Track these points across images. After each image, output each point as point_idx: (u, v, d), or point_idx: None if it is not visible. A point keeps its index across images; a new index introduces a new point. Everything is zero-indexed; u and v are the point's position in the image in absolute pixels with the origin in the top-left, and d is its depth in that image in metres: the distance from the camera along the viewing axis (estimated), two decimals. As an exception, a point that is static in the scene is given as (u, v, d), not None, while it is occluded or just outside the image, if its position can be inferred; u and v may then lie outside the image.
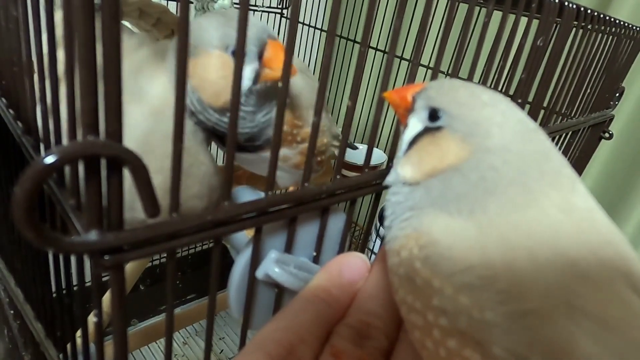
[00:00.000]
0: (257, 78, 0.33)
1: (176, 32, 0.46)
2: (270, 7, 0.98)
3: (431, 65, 0.86)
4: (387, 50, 0.23)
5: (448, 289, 0.16)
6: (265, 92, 0.35)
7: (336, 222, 0.27)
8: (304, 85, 0.40)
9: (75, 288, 0.27)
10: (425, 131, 0.20)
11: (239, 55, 0.18)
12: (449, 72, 0.32)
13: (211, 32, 0.32)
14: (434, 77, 0.28)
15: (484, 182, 0.18)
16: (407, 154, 0.21)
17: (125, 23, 0.44)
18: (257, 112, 0.35)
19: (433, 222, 0.18)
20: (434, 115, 0.20)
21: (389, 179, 0.22)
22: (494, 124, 0.19)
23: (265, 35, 0.33)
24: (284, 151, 0.40)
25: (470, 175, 0.18)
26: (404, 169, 0.20)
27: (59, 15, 0.21)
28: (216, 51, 0.32)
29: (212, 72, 0.32)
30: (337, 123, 1.17)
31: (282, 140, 0.38)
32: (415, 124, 0.21)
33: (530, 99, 0.38)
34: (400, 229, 0.19)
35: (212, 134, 0.37)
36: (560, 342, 0.15)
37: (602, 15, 0.42)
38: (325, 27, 1.08)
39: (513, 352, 0.15)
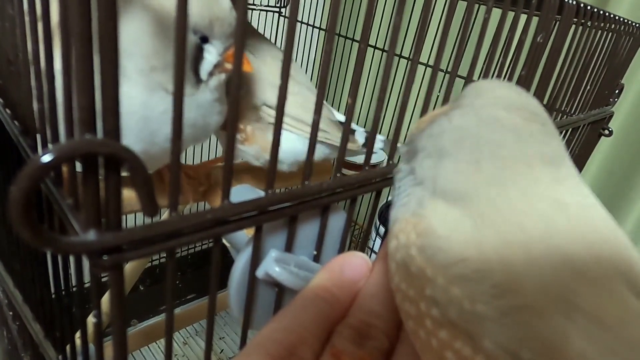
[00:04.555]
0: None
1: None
2: (268, 5, 0.98)
3: (430, 62, 0.86)
4: (385, 48, 0.23)
5: (440, 278, 0.16)
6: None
7: (336, 221, 0.27)
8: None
9: (74, 288, 0.27)
10: None
11: (237, 48, 0.18)
12: (449, 69, 0.32)
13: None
14: (433, 74, 0.28)
15: (428, 149, 0.19)
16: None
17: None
18: None
19: (431, 209, 0.18)
20: None
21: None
22: (472, 93, 0.19)
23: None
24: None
25: (434, 132, 0.19)
26: (414, 126, 0.21)
27: (55, 11, 0.20)
28: None
29: None
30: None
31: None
32: None
33: (530, 96, 0.38)
34: (402, 205, 0.19)
35: None
36: (553, 339, 0.14)
37: (601, 12, 0.42)
38: (323, 26, 1.08)
39: (503, 346, 0.15)
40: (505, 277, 0.15)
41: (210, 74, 0.35)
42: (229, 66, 0.35)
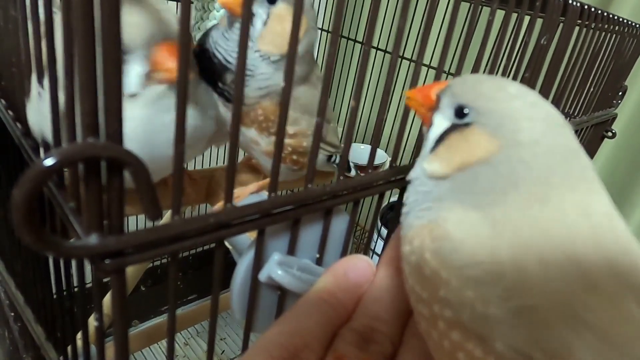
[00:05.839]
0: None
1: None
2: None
3: (432, 64, 0.86)
4: (388, 49, 0.23)
5: (454, 281, 0.16)
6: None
7: (339, 224, 0.27)
8: (302, 91, 0.40)
9: (75, 289, 0.27)
10: (453, 128, 0.20)
11: (243, 29, 0.18)
12: (452, 71, 0.32)
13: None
14: (437, 76, 0.28)
15: (513, 175, 0.18)
16: (435, 151, 0.20)
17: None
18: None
19: (449, 215, 0.18)
20: (460, 111, 0.20)
21: (413, 174, 0.21)
22: (523, 117, 0.18)
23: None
24: (252, 132, 0.41)
25: (500, 169, 0.18)
26: (433, 165, 0.20)
27: (58, 15, 0.20)
28: None
29: None
30: (338, 123, 1.17)
31: (253, 121, 0.39)
32: (441, 121, 0.21)
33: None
34: (417, 217, 0.19)
35: None
36: (559, 350, 0.14)
37: (605, 14, 0.42)
38: (325, 27, 1.08)
39: (515, 348, 0.15)
40: (517, 281, 0.15)
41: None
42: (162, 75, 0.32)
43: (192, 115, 0.36)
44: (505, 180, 0.18)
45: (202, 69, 0.38)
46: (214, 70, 0.38)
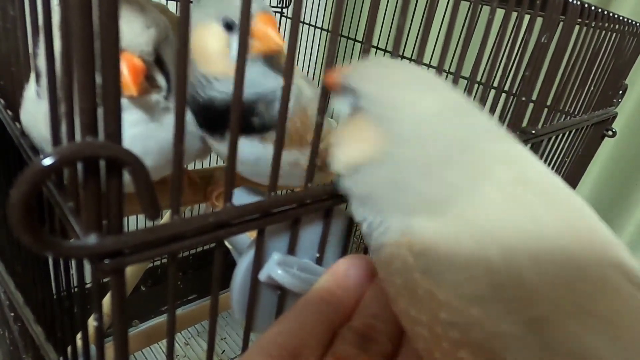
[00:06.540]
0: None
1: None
2: (270, 5, 0.98)
3: (432, 63, 0.85)
4: (388, 48, 0.22)
5: (455, 301, 0.16)
6: (269, 61, 0.34)
7: (339, 223, 0.27)
8: (313, 94, 0.40)
9: (75, 289, 0.27)
10: (352, 113, 0.19)
11: (242, 37, 0.18)
12: (452, 70, 0.32)
13: (208, 6, 0.33)
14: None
15: (403, 173, 0.17)
16: (337, 139, 0.20)
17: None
18: (264, 78, 0.34)
19: (419, 227, 0.17)
20: (354, 97, 0.19)
21: (340, 187, 0.20)
22: (405, 104, 0.18)
23: (254, 9, 0.32)
24: (295, 155, 0.38)
25: (390, 168, 0.17)
26: (334, 162, 0.19)
27: (56, 14, 0.20)
28: (211, 23, 0.32)
29: (207, 43, 0.33)
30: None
31: (292, 139, 0.37)
32: (342, 106, 0.20)
33: (534, 97, 0.38)
34: (382, 233, 0.18)
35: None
36: (575, 348, 0.14)
37: (605, 12, 0.42)
38: (325, 26, 1.08)
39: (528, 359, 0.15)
40: (517, 290, 0.15)
41: None
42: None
43: (166, 130, 0.32)
44: (401, 176, 0.17)
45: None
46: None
